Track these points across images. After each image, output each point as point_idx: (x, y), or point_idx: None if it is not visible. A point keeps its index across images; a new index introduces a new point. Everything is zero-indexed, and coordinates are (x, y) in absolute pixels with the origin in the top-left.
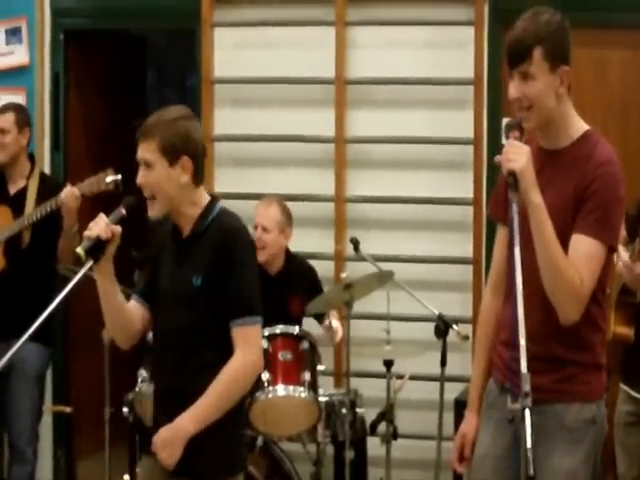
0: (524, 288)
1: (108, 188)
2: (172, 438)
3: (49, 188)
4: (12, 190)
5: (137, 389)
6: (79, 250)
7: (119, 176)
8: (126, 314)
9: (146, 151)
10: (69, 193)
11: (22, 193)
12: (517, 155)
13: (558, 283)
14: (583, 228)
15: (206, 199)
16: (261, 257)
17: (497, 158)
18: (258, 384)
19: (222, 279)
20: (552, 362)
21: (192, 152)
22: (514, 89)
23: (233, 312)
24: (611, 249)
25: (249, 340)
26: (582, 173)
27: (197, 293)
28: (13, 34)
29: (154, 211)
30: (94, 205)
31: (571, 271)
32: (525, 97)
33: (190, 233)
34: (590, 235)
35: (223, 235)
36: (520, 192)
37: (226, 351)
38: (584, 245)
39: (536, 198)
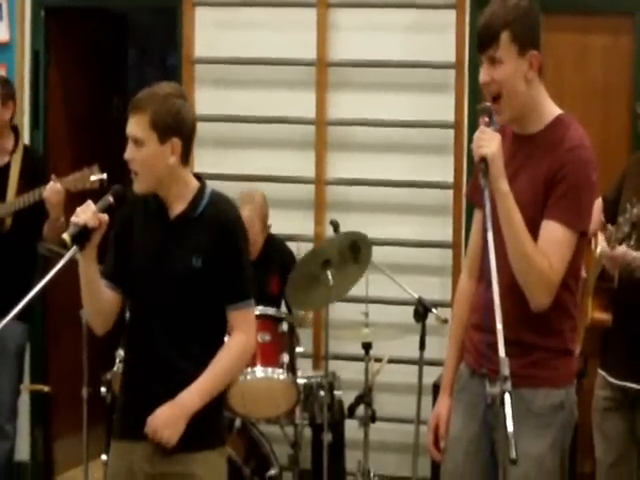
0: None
1: (93, 186)
2: (177, 416)
3: (33, 163)
4: None
5: (115, 369)
6: (65, 236)
7: (104, 175)
8: (104, 300)
9: (137, 126)
10: (52, 189)
11: (5, 168)
12: (488, 141)
13: (527, 270)
14: (553, 214)
15: (193, 180)
16: None
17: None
18: None
19: (221, 265)
20: (520, 347)
21: (183, 133)
22: (483, 73)
23: (233, 296)
24: (583, 234)
25: (248, 322)
26: (552, 158)
27: (197, 274)
28: None
29: (139, 186)
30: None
31: (540, 258)
32: (494, 81)
33: (182, 214)
34: (560, 221)
35: (223, 223)
36: (489, 179)
37: (211, 331)
38: (554, 231)
39: (504, 186)
